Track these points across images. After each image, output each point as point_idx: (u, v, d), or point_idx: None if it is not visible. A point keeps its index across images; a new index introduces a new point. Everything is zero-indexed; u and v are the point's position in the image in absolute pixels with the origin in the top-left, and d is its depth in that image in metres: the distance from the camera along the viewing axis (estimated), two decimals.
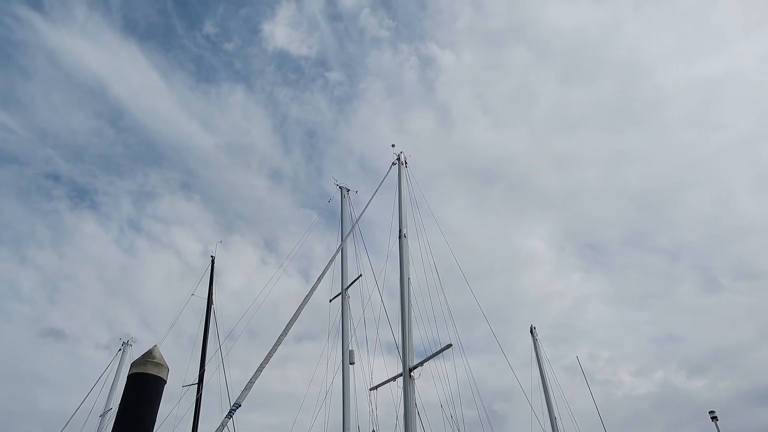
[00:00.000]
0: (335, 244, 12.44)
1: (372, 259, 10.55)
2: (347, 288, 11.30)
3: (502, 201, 40.62)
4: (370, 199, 8.99)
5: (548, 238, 38.03)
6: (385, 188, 10.19)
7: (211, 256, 13.64)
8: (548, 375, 13.98)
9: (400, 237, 9.53)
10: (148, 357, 5.71)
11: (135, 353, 14.76)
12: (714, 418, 12.69)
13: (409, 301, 8.74)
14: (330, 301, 11.48)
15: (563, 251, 38.75)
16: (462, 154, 39.97)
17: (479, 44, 42.00)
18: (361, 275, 10.96)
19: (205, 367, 11.49)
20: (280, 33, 41.31)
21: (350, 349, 10.87)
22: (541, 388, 13.80)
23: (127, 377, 5.78)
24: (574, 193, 39.58)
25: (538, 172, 40.22)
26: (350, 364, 10.70)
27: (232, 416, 4.28)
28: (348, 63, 44.69)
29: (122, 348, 15.15)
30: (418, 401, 8.14)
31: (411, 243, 9.61)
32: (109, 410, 13.71)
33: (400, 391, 8.19)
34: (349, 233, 10.16)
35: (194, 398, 11.02)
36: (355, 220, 10.64)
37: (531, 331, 15.00)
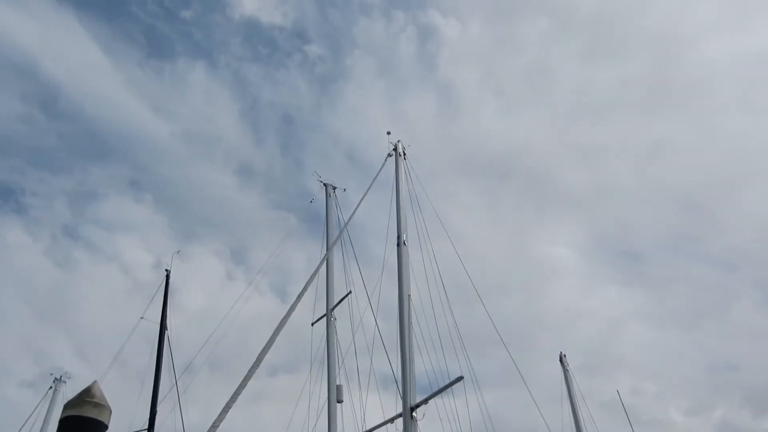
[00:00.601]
0: (318, 254, 12.58)
1: (364, 272, 10.56)
2: (334, 308, 11.31)
3: (518, 200, 39.82)
4: (362, 199, 9.09)
5: (575, 244, 37.46)
6: (379, 185, 10.28)
7: (166, 270, 13.72)
8: (582, 413, 14.03)
9: (398, 245, 9.60)
10: (86, 396, 5.61)
11: (69, 392, 14.65)
12: None
13: (409, 323, 8.71)
14: (312, 324, 11.54)
15: (593, 260, 38.36)
16: (470, 145, 39.22)
17: (490, 13, 41.49)
18: (350, 292, 11.04)
19: (158, 408, 11.48)
20: None
21: (338, 383, 10.85)
22: (574, 430, 13.85)
23: (59, 422, 5.63)
24: (604, 189, 39.17)
25: (560, 164, 39.63)
26: (338, 402, 10.65)
27: None
28: (331, 34, 43.97)
29: (53, 386, 15.04)
30: None
31: (412, 252, 9.63)
32: None
33: None
34: (335, 241, 10.32)
35: None
36: (343, 225, 10.68)
37: (560, 360, 15.02)
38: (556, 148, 39.69)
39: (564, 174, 39.02)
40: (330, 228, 12.53)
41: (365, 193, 9.19)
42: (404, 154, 11.07)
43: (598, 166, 39.80)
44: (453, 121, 40.00)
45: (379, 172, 10.28)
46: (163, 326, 12.69)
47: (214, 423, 4.36)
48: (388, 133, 11.14)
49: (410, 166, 10.98)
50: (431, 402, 8.14)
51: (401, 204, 10.16)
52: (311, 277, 6.75)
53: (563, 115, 39.56)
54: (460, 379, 8.10)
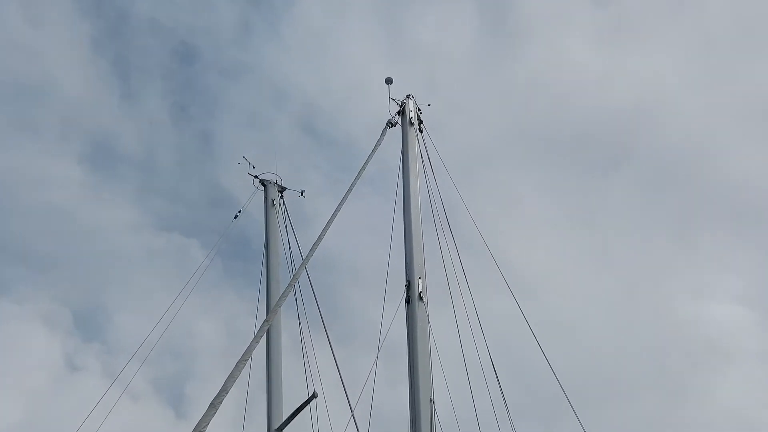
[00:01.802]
0: (250, 321, 12.09)
1: (342, 358, 8.98)
2: (284, 426, 10.60)
3: (639, 209, 31.89)
4: (336, 210, 7.98)
5: (758, 299, 33.43)
6: (370, 183, 10.23)
7: None
8: None
9: (408, 300, 8.63)
10: None
11: None
12: None
13: None
14: None
15: None
16: (545, 102, 32.50)
17: None
18: (315, 395, 10.35)
19: None
20: None
21: None
22: None
23: None
24: None
25: (726, 142, 32.84)
26: None
27: None
28: None
29: None
30: None
31: (435, 315, 8.74)
32: None
33: None
34: (284, 295, 8.59)
35: None
36: (299, 265, 9.43)
37: None
38: (716, 112, 32.75)
39: (733, 160, 31.09)
40: (271, 268, 11.90)
41: (343, 199, 8.10)
42: (419, 121, 10.22)
43: None
44: (512, 57, 33.37)
45: (370, 157, 9.13)
46: None
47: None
48: (388, 82, 10.23)
49: (430, 143, 10.18)
50: None
51: (414, 220, 9.32)
52: (237, 366, 5.36)
53: (725, 47, 32.58)
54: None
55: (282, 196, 12.94)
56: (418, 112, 10.45)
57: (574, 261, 29.30)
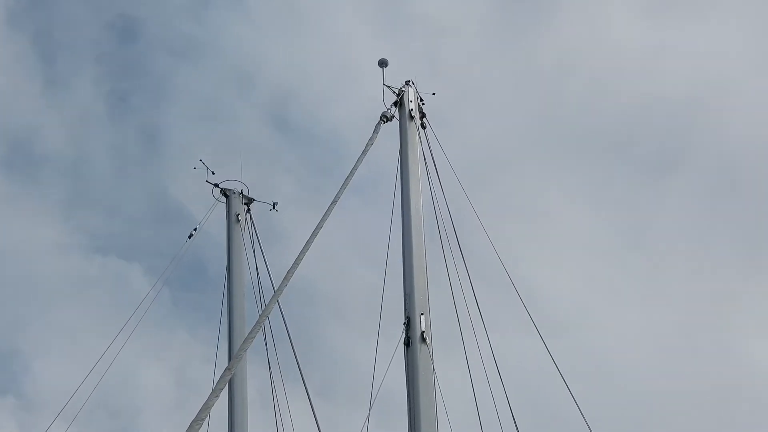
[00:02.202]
0: (209, 372, 11.86)
1: (324, 414, 9.04)
2: None
3: (696, 222, 30.42)
4: (318, 227, 7.85)
5: None
6: (359, 191, 10.34)
7: None
8: None
9: (408, 343, 8.43)
10: None
11: None
12: None
13: None
14: None
15: None
16: (582, 87, 30.78)
17: None
18: None
19: None
20: None
21: None
22: None
23: None
24: None
25: None
26: None
27: None
28: None
29: None
30: None
31: (441, 362, 8.46)
32: None
33: None
34: (252, 334, 7.55)
35: None
36: (270, 298, 9.70)
37: None
38: None
39: None
40: (235, 301, 11.61)
41: (326, 213, 8.03)
42: (421, 114, 10.05)
43: None
44: (537, 32, 31.56)
45: (360, 159, 9.00)
46: None
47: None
48: (383, 64, 10.16)
49: (435, 141, 10.06)
50: None
51: (415, 239, 9.04)
52: (191, 426, 5.03)
53: None
54: None
55: (249, 210, 12.54)
56: (420, 103, 10.04)
57: (615, 289, 26.83)
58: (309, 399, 9.12)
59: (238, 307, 11.90)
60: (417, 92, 10.15)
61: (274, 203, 12.81)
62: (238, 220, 12.34)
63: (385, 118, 9.70)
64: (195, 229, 12.60)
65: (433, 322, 8.65)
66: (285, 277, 7.26)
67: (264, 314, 7.82)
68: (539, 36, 31.23)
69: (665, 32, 31.09)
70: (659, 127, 30.92)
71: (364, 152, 9.10)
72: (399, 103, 9.97)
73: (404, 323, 8.35)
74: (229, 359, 10.96)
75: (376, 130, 9.53)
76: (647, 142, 30.59)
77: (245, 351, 8.30)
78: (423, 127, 10.03)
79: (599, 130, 29.93)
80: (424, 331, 8.27)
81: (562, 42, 30.27)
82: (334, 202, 8.12)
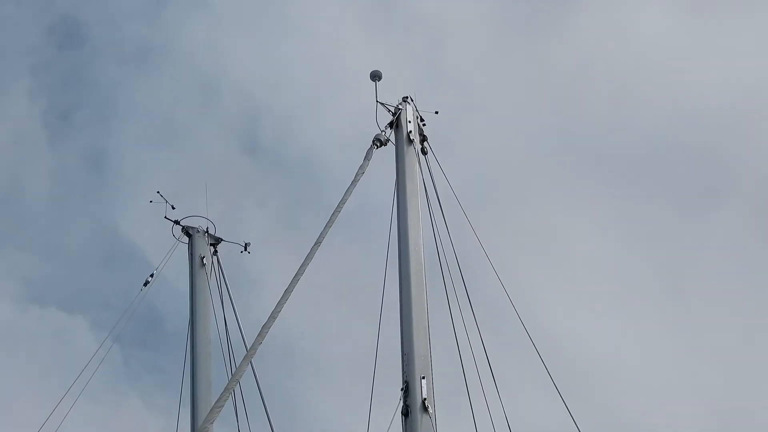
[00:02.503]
0: None
1: None
2: None
3: (747, 261, 28.32)
4: (299, 273, 7.91)
5: None
6: (348, 226, 10.60)
7: None
8: None
9: (407, 411, 8.22)
10: None
11: None
12: None
13: None
14: None
15: None
16: (600, 96, 28.46)
17: None
18: None
19: None
20: None
21: None
22: None
23: None
24: None
25: None
26: None
27: None
28: None
29: None
30: None
31: (445, 427, 8.27)
32: None
33: None
34: (219, 405, 7.84)
35: None
36: (242, 358, 9.52)
37: None
38: None
39: None
40: (199, 361, 11.27)
41: (309, 256, 8.01)
42: (422, 137, 9.73)
43: None
44: (556, 31, 29.60)
45: (348, 191, 8.90)
46: None
47: None
48: (376, 77, 9.82)
49: (438, 168, 9.82)
50: None
51: (415, 285, 8.69)
52: None
53: None
54: None
55: (215, 252, 12.14)
56: (420, 124, 9.63)
57: (648, 341, 24.75)
58: None
59: (203, 368, 11.53)
60: (416, 111, 9.71)
61: (245, 244, 12.34)
62: (203, 264, 11.91)
63: (379, 142, 9.31)
64: (152, 275, 12.16)
65: (436, 382, 8.31)
66: (259, 333, 7.28)
67: (234, 378, 7.96)
68: (559, 36, 29.05)
69: (704, 30, 29.53)
70: (700, 144, 28.55)
71: (354, 182, 8.83)
72: (395, 124, 9.50)
73: (402, 389, 8.03)
74: None
75: (367, 157, 9.17)
76: (686, 164, 28.13)
77: (211, 423, 8.36)
78: (424, 152, 9.65)
79: (628, 148, 27.36)
80: (425, 399, 7.98)
81: (585, 42, 28.32)
82: (317, 243, 7.86)
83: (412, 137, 9.46)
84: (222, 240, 12.39)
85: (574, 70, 28.06)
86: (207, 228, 12.25)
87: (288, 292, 7.54)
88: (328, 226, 8.17)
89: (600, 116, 27.51)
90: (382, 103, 9.62)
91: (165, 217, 12.18)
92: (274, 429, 10.27)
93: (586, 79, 27.86)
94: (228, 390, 7.79)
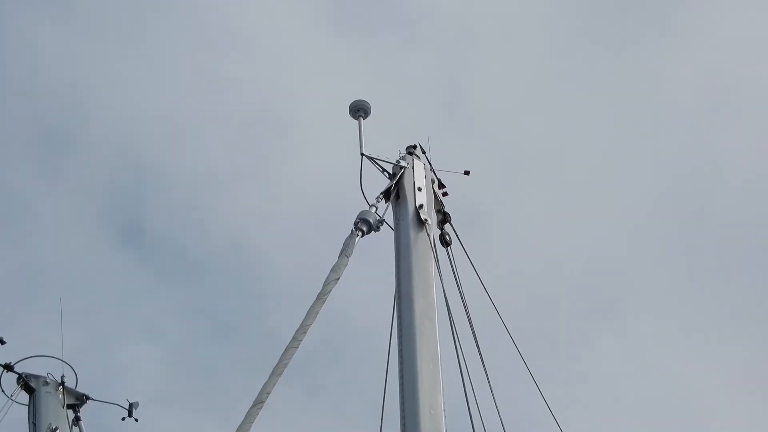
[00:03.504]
0: None
1: None
2: None
3: None
4: None
5: None
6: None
7: None
8: None
9: None
10: None
11: None
12: None
13: None
14: None
15: None
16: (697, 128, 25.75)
17: None
18: None
19: None
20: None
21: None
22: None
23: None
24: None
25: None
26: None
27: None
28: None
29: None
30: None
31: None
32: None
33: None
34: None
35: None
36: None
37: None
38: None
39: None
40: None
41: (252, 414, 6.06)
42: (441, 213, 7.40)
43: None
44: (632, 39, 21.29)
45: (300, 332, 6.52)
46: None
47: None
48: (359, 111, 7.76)
49: (472, 270, 7.50)
50: None
51: None
52: None
53: None
54: None
55: (77, 416, 8.73)
56: (440, 193, 6.90)
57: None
58: None
59: None
60: (432, 170, 6.77)
61: (130, 404, 8.79)
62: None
63: (366, 227, 6.28)
64: None
65: None
66: None
67: None
68: (643, 59, 19.81)
69: None
70: None
71: (319, 300, 5.91)
72: (394, 193, 6.64)
73: None
74: None
75: (344, 253, 6.19)
76: None
77: None
78: (445, 243, 6.65)
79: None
80: None
81: (690, 71, 19.51)
82: (258, 402, 5.50)
83: (424, 217, 6.52)
84: (89, 398, 8.83)
85: (659, 89, 19.67)
86: (62, 377, 8.70)
87: None
88: (274, 375, 5.56)
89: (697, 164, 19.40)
90: (370, 158, 6.71)
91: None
92: None
93: (680, 98, 19.58)
94: None
